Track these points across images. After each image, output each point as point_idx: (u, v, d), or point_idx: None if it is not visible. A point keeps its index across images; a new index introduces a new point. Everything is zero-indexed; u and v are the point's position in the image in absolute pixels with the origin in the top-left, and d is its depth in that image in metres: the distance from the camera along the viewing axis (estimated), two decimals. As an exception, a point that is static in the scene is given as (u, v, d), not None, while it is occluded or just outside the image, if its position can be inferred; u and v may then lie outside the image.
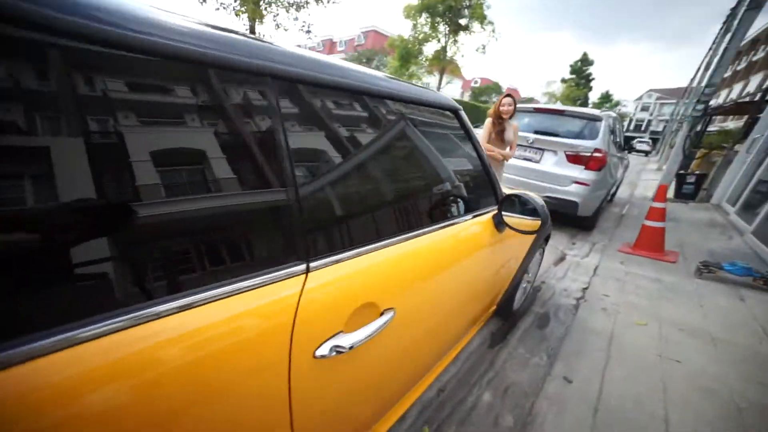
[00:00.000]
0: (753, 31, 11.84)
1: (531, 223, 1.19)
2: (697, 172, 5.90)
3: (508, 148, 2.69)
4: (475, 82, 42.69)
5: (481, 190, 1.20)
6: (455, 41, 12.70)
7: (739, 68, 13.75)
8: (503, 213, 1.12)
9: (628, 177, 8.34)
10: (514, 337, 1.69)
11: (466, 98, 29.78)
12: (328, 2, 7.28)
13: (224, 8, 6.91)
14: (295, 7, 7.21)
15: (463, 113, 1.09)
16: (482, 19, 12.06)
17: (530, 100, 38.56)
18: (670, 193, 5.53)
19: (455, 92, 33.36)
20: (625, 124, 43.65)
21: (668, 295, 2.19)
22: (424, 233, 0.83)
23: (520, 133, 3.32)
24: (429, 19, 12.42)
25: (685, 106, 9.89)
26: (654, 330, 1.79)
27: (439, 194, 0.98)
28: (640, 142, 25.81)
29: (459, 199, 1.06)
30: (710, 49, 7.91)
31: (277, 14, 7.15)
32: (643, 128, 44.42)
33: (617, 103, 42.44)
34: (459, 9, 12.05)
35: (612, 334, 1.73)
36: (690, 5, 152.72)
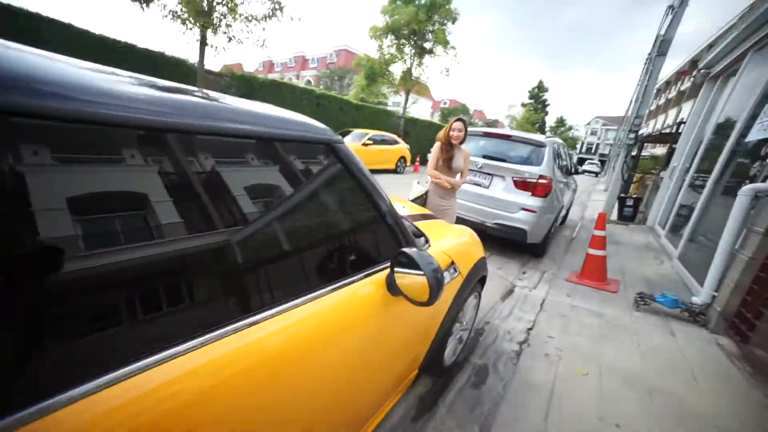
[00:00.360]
0: (666, 73, 13.76)
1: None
2: (634, 196, 6.33)
3: (458, 176, 2.49)
4: (445, 103, 44.89)
5: (373, 243, 0.96)
6: (420, 63, 13.19)
7: (660, 103, 15.97)
8: (398, 271, 0.87)
9: (579, 198, 8.87)
10: (445, 402, 1.43)
11: (436, 119, 31.04)
12: (284, 17, 7.07)
13: (171, 16, 6.39)
14: (247, 19, 6.86)
15: (342, 147, 0.85)
16: (445, 43, 12.70)
17: (495, 122, 41.15)
18: (614, 215, 5.87)
19: (425, 112, 34.72)
20: (578, 146, 48.28)
21: (609, 334, 2.10)
22: (256, 321, 0.56)
23: (470, 158, 3.24)
24: (395, 41, 12.83)
25: (624, 132, 10.96)
26: (594, 381, 1.63)
27: (288, 257, 0.71)
28: (590, 163, 28.70)
29: (328, 262, 0.80)
30: (637, 84, 8.89)
31: (230, 25, 6.80)
32: (593, 151, 49.36)
33: (570, 128, 46.80)
34: (423, 33, 12.61)
35: (552, 390, 1.54)
36: (634, 44, 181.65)
